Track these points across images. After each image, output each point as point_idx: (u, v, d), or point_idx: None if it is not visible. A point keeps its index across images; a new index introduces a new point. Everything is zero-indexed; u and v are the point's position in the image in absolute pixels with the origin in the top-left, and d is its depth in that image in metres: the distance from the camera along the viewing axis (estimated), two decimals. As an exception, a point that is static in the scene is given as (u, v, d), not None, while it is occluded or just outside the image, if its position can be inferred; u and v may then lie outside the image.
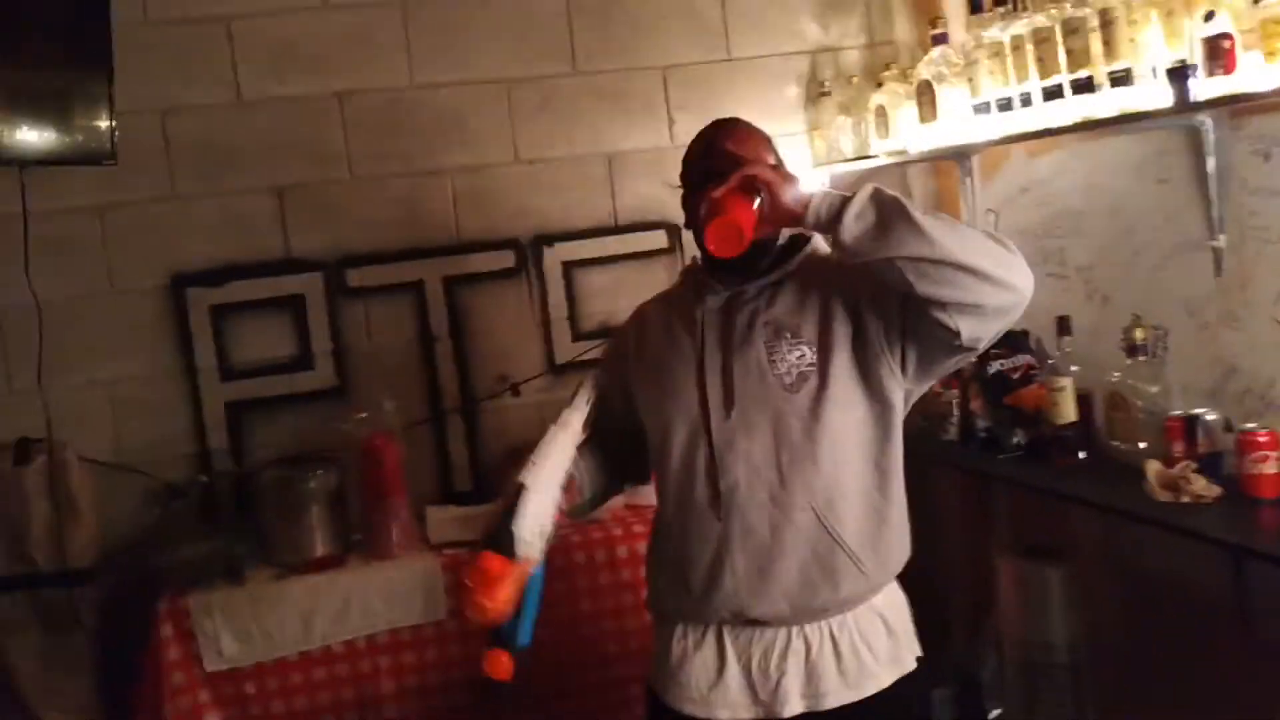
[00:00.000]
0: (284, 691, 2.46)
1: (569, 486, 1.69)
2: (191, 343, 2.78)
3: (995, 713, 2.84)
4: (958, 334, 1.50)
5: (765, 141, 1.77)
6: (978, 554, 2.95)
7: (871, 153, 2.91)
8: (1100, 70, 2.12)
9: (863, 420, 1.65)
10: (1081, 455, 2.43)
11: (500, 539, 1.53)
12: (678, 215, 3.00)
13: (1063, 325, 2.50)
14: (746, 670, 1.67)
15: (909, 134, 2.79)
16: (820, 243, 1.73)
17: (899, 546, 1.73)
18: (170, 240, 2.76)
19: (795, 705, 1.64)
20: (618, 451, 1.83)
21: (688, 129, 3.07)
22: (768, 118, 3.08)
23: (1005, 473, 2.60)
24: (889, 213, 1.47)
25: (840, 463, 1.63)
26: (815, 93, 3.13)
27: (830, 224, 1.50)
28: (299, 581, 2.49)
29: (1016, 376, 2.66)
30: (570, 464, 1.68)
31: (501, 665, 1.55)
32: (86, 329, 2.71)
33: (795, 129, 3.15)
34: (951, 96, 2.62)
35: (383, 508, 2.59)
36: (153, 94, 2.71)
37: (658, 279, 3.06)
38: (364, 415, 2.65)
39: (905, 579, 3.38)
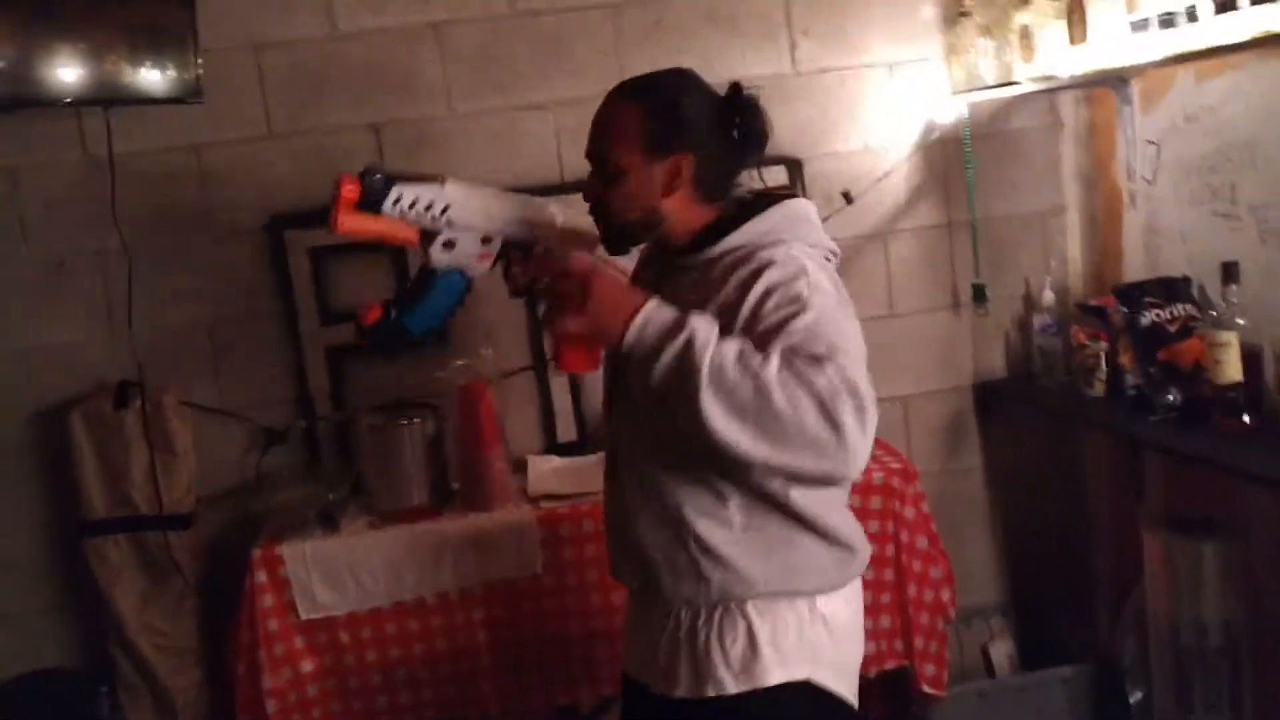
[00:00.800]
0: (377, 641, 2.40)
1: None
2: (291, 285, 2.71)
3: (1137, 696, 2.61)
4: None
5: (635, 134, 1.54)
6: (1124, 523, 2.69)
7: (1015, 79, 2.63)
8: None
9: None
10: (1246, 419, 2.15)
11: (370, 178, 1.46)
12: (801, 149, 2.84)
13: (1229, 271, 2.20)
14: (640, 634, 1.65)
15: (1058, 57, 2.49)
16: (750, 235, 1.52)
17: (792, 566, 1.53)
18: (266, 180, 2.67)
19: (656, 683, 1.60)
20: None
21: (811, 54, 2.87)
22: (900, 40, 2.86)
23: (1156, 437, 2.34)
24: (681, 377, 1.29)
25: (687, 463, 1.50)
26: (954, 12, 2.83)
27: (644, 365, 1.34)
28: (392, 531, 2.41)
29: (1174, 329, 2.39)
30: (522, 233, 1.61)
31: (369, 310, 1.59)
32: (186, 271, 2.67)
33: (930, 54, 2.87)
34: (1105, 13, 2.32)
35: (478, 458, 2.50)
36: (246, 29, 2.63)
37: (775, 218, 2.86)
38: (461, 363, 2.55)
39: (1043, 549, 3.14)
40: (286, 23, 2.65)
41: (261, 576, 2.36)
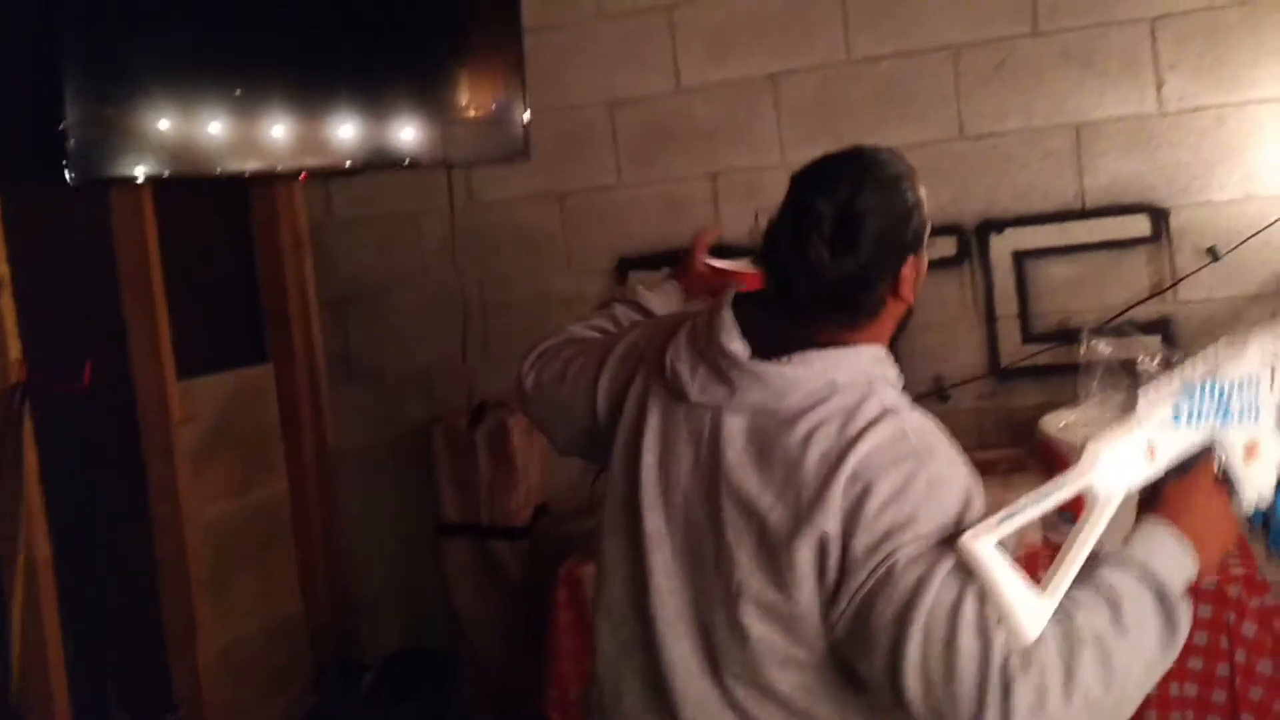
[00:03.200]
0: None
1: None
2: (624, 321, 2.90)
3: None
4: None
5: None
6: None
7: None
8: None
9: None
10: None
11: None
12: (1166, 197, 2.54)
13: None
14: None
15: None
16: None
17: None
18: (614, 225, 2.89)
19: None
20: None
21: (1181, 91, 2.55)
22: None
23: None
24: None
25: None
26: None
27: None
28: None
29: None
30: None
31: None
32: (538, 304, 2.95)
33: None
34: None
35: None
36: (603, 86, 2.86)
37: (1135, 272, 2.57)
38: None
39: None
40: (637, 81, 2.85)
41: (563, 594, 2.53)
